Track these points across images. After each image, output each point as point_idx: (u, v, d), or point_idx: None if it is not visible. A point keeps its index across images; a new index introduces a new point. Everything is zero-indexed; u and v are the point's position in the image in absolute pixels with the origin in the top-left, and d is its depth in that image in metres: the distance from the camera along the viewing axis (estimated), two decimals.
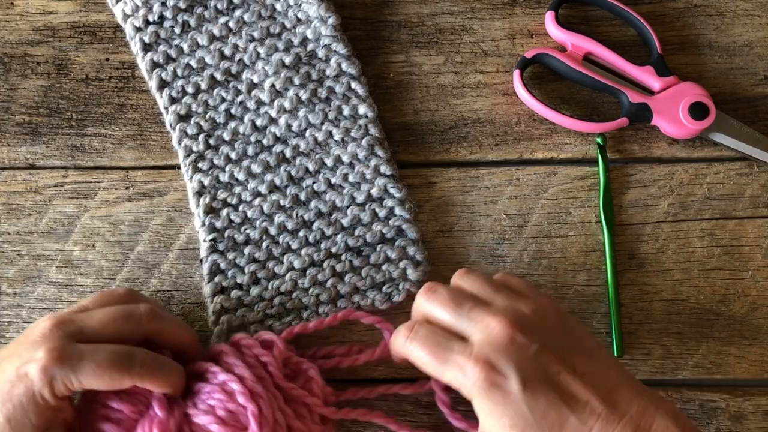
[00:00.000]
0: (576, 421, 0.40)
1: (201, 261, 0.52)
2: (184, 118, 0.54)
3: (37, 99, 0.56)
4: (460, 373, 0.41)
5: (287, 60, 0.54)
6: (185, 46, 0.54)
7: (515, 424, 0.40)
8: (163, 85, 0.54)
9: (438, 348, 0.43)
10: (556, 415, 0.40)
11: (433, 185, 0.54)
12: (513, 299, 0.44)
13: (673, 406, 0.42)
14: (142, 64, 0.54)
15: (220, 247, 0.52)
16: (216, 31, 0.55)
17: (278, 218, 0.52)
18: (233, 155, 0.53)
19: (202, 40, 0.54)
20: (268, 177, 0.53)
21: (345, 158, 0.53)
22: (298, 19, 0.55)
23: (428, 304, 0.45)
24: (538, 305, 0.44)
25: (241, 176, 0.53)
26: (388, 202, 0.52)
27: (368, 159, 0.53)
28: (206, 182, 0.53)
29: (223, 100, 0.54)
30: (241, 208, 0.53)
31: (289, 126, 0.53)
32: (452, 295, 0.44)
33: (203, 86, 0.54)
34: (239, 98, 0.54)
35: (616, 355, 0.52)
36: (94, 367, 0.41)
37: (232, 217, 0.52)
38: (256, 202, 0.53)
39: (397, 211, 0.52)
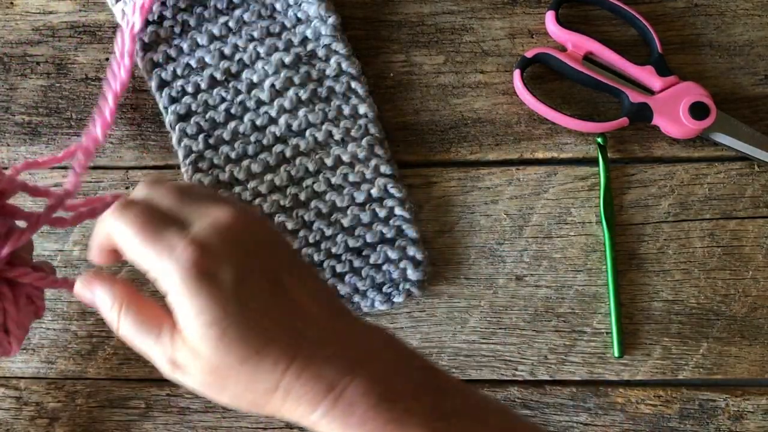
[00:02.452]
0: (290, 332, 0.35)
1: None
2: (183, 117, 0.54)
3: (37, 99, 0.55)
4: (167, 253, 0.34)
5: (287, 59, 0.54)
6: (185, 46, 0.54)
7: (217, 321, 0.34)
8: (162, 84, 0.54)
9: (150, 224, 0.35)
10: (270, 323, 0.34)
11: (433, 185, 0.54)
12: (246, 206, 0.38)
13: (386, 330, 0.37)
14: (142, 63, 0.54)
15: None
16: (216, 31, 0.55)
17: (278, 218, 0.52)
18: (233, 155, 0.53)
19: (202, 39, 0.54)
20: (268, 177, 0.53)
21: (345, 158, 0.53)
22: (298, 19, 0.55)
23: (151, 189, 0.38)
24: (253, 219, 0.38)
25: (241, 176, 0.53)
26: (388, 202, 0.52)
27: (368, 159, 0.53)
28: (206, 182, 0.53)
29: (223, 99, 0.54)
30: None
31: (289, 126, 0.53)
32: (180, 185, 0.38)
33: (203, 86, 0.54)
34: (239, 98, 0.54)
35: (616, 355, 0.52)
36: None
37: None
38: (256, 202, 0.53)
39: (397, 211, 0.52)
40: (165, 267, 0.35)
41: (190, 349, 0.35)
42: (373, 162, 0.53)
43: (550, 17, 0.55)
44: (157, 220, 0.36)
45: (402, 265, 0.52)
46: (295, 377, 0.34)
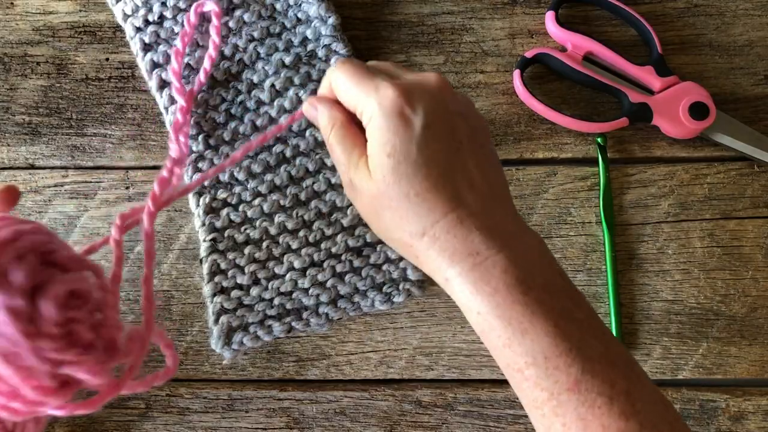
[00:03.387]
0: (452, 190, 0.38)
1: (201, 261, 0.52)
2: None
3: (37, 99, 0.55)
4: (374, 91, 0.40)
5: (287, 60, 0.54)
6: (186, 47, 0.54)
7: (395, 154, 0.38)
8: (163, 85, 0.54)
9: (365, 71, 0.41)
10: (437, 172, 0.38)
11: None
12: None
13: (539, 237, 0.41)
14: (142, 64, 0.54)
15: (220, 247, 0.52)
16: None
17: (278, 218, 0.52)
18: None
19: (202, 40, 0.54)
20: (268, 177, 0.53)
21: None
22: (298, 19, 0.55)
23: (348, 66, 0.42)
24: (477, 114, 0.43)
25: (241, 176, 0.53)
26: None
27: None
28: (206, 182, 0.53)
29: (223, 100, 0.54)
30: (241, 208, 0.53)
31: (289, 126, 0.53)
32: (359, 66, 0.43)
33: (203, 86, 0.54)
34: (239, 98, 0.54)
35: None
36: None
37: (232, 217, 0.52)
38: (256, 202, 0.53)
39: None
40: (369, 101, 0.40)
41: (366, 174, 0.40)
42: None
43: (550, 17, 0.55)
44: (370, 70, 0.41)
45: (402, 264, 0.52)
46: (445, 230, 0.38)
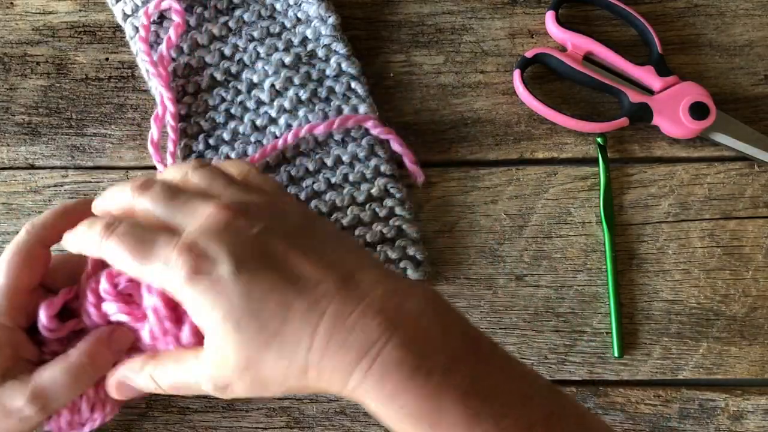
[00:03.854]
0: (304, 304, 0.33)
1: None
2: (183, 118, 0.54)
3: (37, 99, 0.55)
4: (163, 266, 0.35)
5: (287, 60, 0.54)
6: (185, 46, 0.54)
7: (228, 316, 0.33)
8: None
9: (139, 243, 0.36)
10: (279, 300, 0.33)
11: (433, 185, 0.54)
12: (247, 192, 0.37)
13: (429, 290, 0.36)
14: (142, 64, 0.54)
15: None
16: (216, 31, 0.55)
17: None
18: (233, 155, 0.53)
19: (202, 39, 0.54)
20: (270, 176, 0.53)
21: (345, 158, 0.53)
22: (298, 19, 0.55)
23: (138, 198, 0.37)
24: (279, 201, 0.38)
25: None
26: (388, 202, 0.52)
27: (368, 159, 0.53)
28: None
29: (223, 100, 0.54)
30: None
31: (289, 126, 0.53)
32: (168, 186, 0.37)
33: (203, 86, 0.54)
34: (239, 98, 0.54)
35: (616, 355, 0.52)
36: None
37: None
38: None
39: (398, 211, 0.52)
40: (166, 279, 0.35)
41: (218, 358, 0.35)
42: (373, 162, 0.53)
43: (550, 17, 0.55)
44: (145, 236, 0.36)
45: (402, 264, 0.52)
46: (322, 351, 0.33)
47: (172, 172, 0.40)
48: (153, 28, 0.54)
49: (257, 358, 0.34)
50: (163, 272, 0.35)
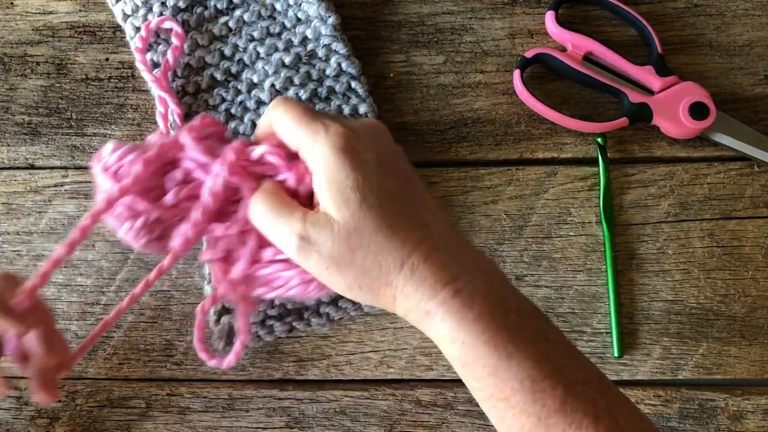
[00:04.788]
0: (424, 216, 0.38)
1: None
2: (184, 118, 0.54)
3: (37, 99, 0.55)
4: (322, 132, 0.39)
5: (287, 60, 0.54)
6: (185, 46, 0.54)
7: (360, 188, 0.38)
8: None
9: (308, 110, 0.40)
10: (407, 202, 0.38)
11: (433, 185, 0.54)
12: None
13: (494, 278, 0.39)
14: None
15: None
16: (216, 31, 0.55)
17: None
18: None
19: (202, 39, 0.54)
20: None
21: None
22: (298, 19, 0.55)
23: (286, 108, 0.41)
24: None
25: None
26: None
27: None
28: None
29: (223, 99, 0.54)
30: None
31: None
32: (301, 107, 0.41)
33: (203, 86, 0.54)
34: (239, 98, 0.54)
35: (616, 355, 0.52)
36: None
37: None
38: None
39: None
40: (317, 143, 0.38)
41: (325, 221, 0.38)
42: None
43: (550, 17, 0.55)
44: (312, 110, 0.40)
45: None
46: (423, 258, 0.37)
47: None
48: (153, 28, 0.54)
49: (363, 234, 0.37)
50: (319, 136, 0.38)
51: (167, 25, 0.53)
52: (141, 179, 0.41)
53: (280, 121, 0.40)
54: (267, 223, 0.40)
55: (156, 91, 0.52)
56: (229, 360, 0.47)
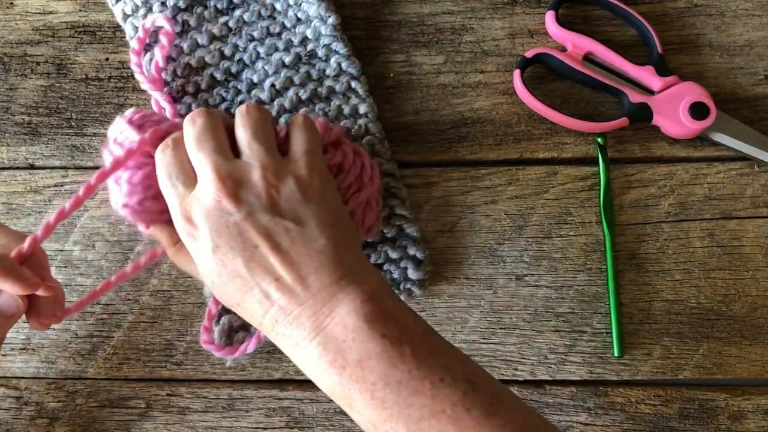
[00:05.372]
0: (259, 294, 0.40)
1: None
2: (184, 117, 0.54)
3: (37, 99, 0.55)
4: (173, 207, 0.43)
5: (287, 59, 0.54)
6: (185, 46, 0.54)
7: (205, 276, 0.42)
8: (163, 84, 0.54)
9: (169, 179, 0.43)
10: (240, 286, 0.41)
11: (433, 185, 0.54)
12: (273, 157, 0.43)
13: (370, 292, 0.41)
14: (142, 63, 0.54)
15: None
16: (216, 31, 0.55)
17: None
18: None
19: (202, 39, 0.54)
20: None
21: None
22: (298, 19, 0.55)
23: (187, 127, 0.44)
24: (302, 176, 0.43)
25: None
26: (389, 202, 0.52)
27: None
28: None
29: (223, 99, 0.54)
30: None
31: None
32: (205, 130, 0.43)
33: (203, 86, 0.54)
34: (239, 98, 0.54)
35: (616, 355, 0.52)
36: None
37: None
38: None
39: (398, 210, 0.52)
40: (172, 217, 0.43)
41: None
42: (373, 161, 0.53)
43: (550, 17, 0.55)
44: (174, 174, 0.43)
45: (403, 264, 0.52)
46: (268, 330, 0.42)
47: (245, 108, 0.45)
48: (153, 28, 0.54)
49: (227, 303, 0.43)
50: (172, 210, 0.43)
51: (159, 22, 0.53)
52: (162, 135, 0.45)
53: (157, 172, 0.44)
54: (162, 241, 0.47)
55: (150, 92, 0.53)
56: (242, 349, 0.50)
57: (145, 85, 0.53)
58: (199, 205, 0.41)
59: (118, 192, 0.45)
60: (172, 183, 0.43)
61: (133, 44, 0.53)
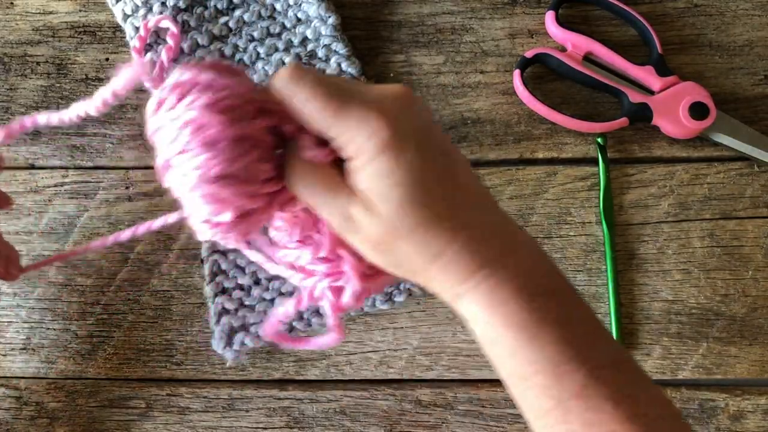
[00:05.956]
0: (466, 201, 0.37)
1: (202, 261, 0.52)
2: None
3: (37, 99, 0.55)
4: (356, 123, 0.36)
5: (287, 60, 0.54)
6: (185, 46, 0.54)
7: (403, 183, 0.36)
8: None
9: (336, 92, 0.36)
10: (449, 188, 0.37)
11: None
12: None
13: (534, 241, 0.39)
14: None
15: (221, 247, 0.52)
16: (216, 31, 0.55)
17: None
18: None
19: (202, 40, 0.54)
20: None
21: None
22: (298, 19, 0.55)
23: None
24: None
25: None
26: None
27: None
28: None
29: None
30: None
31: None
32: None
33: None
34: None
35: None
36: None
37: None
38: None
39: None
40: (355, 136, 0.36)
41: (368, 209, 0.37)
42: None
43: (550, 17, 0.55)
44: (334, 89, 0.37)
45: None
46: (456, 249, 0.37)
47: None
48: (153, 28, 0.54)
49: (402, 229, 0.37)
50: (354, 128, 0.36)
51: (164, 24, 0.53)
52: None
53: (304, 106, 0.37)
54: (313, 199, 0.39)
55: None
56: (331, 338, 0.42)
57: (148, 85, 0.53)
58: (402, 109, 0.37)
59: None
60: (347, 89, 0.37)
61: (134, 43, 0.53)
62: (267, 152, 0.37)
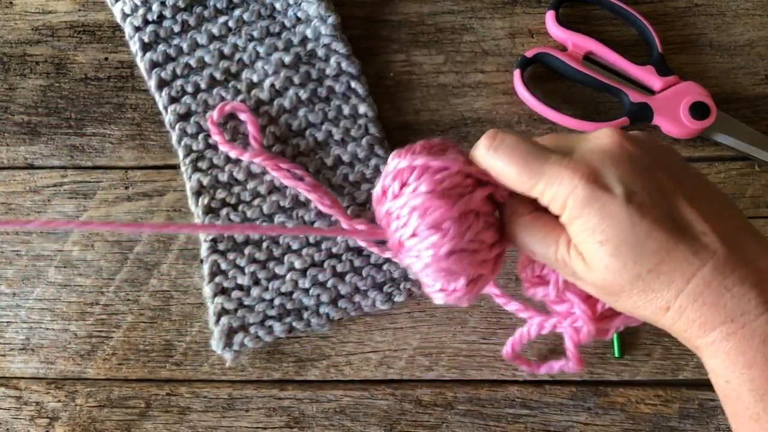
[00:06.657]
0: (686, 250, 0.33)
1: (201, 261, 0.52)
2: (183, 117, 0.54)
3: (36, 99, 0.55)
4: (555, 183, 0.35)
5: (287, 59, 0.54)
6: (185, 46, 0.54)
7: (610, 240, 0.34)
8: (162, 84, 0.54)
9: (530, 156, 0.36)
10: (662, 239, 0.33)
11: None
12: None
13: None
14: (141, 63, 0.54)
15: (221, 247, 0.52)
16: (215, 31, 0.55)
17: (278, 219, 0.52)
18: (233, 155, 0.53)
19: (202, 39, 0.54)
20: (267, 177, 0.53)
21: (345, 158, 0.53)
22: (298, 18, 0.55)
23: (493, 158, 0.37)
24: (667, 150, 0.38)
25: (240, 176, 0.53)
26: None
27: (368, 158, 0.53)
28: (205, 182, 0.53)
29: (223, 99, 0.54)
30: (240, 208, 0.52)
31: (289, 126, 0.53)
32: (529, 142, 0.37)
33: (203, 86, 0.54)
34: (239, 98, 0.54)
35: (616, 355, 0.52)
36: None
37: (232, 217, 0.52)
38: (256, 202, 0.52)
39: None
40: (554, 196, 0.35)
41: (583, 263, 0.36)
42: (373, 162, 0.53)
43: (550, 17, 0.55)
44: (535, 150, 0.36)
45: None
46: (692, 299, 0.34)
47: None
48: (152, 27, 0.54)
49: (622, 287, 0.35)
50: (554, 189, 0.35)
51: (234, 108, 0.52)
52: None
53: (503, 177, 0.37)
54: (540, 258, 0.38)
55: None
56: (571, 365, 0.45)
57: (232, 153, 0.52)
58: (599, 155, 0.35)
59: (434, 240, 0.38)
60: (539, 155, 0.36)
61: (136, 42, 0.53)
62: (488, 219, 0.38)
